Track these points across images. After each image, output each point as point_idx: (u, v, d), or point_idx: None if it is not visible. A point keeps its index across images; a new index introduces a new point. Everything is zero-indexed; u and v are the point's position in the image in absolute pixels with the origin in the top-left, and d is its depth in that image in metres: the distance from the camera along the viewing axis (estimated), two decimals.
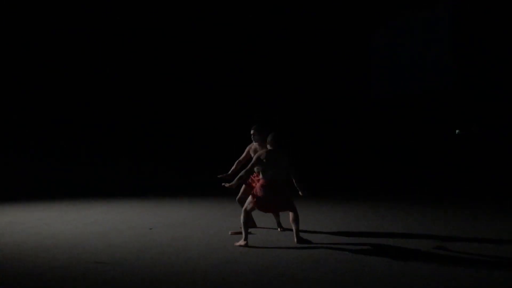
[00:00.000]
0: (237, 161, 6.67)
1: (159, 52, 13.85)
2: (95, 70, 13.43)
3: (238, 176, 5.91)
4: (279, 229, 6.69)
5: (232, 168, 6.62)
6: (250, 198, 6.05)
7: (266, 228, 6.86)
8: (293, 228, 5.88)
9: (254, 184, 6.29)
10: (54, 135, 13.00)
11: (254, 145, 6.55)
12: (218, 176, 6.45)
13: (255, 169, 6.21)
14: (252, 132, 6.51)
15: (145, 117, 13.86)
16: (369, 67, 14.29)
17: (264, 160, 5.83)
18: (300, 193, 5.91)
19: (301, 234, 5.97)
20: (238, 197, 6.67)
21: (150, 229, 6.89)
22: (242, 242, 5.75)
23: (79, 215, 8.26)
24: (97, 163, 12.92)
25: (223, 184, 6.03)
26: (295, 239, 5.85)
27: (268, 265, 4.89)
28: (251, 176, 6.42)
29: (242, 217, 5.95)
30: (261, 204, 5.88)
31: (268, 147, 6.04)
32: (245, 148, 6.72)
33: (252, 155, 6.40)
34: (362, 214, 8.12)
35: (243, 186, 6.59)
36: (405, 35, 13.60)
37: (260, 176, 6.03)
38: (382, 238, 6.17)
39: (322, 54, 13.99)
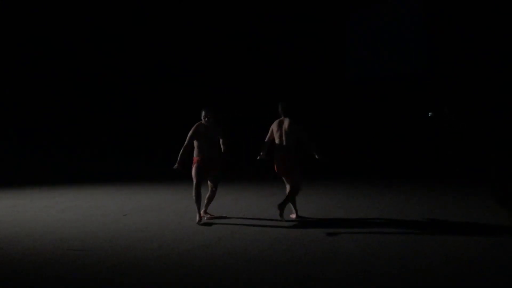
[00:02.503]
0: (184, 149, 6.34)
1: (128, 42, 13.70)
2: (64, 56, 13.21)
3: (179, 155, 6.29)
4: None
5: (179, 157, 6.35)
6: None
7: (239, 211, 6.89)
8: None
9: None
10: (25, 120, 12.72)
11: (202, 127, 6.31)
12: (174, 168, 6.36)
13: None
14: (206, 113, 6.29)
15: (119, 102, 13.67)
16: (344, 50, 14.36)
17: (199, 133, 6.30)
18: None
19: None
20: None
21: (125, 215, 6.83)
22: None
23: (51, 201, 8.13)
24: (68, 149, 12.71)
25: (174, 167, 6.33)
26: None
27: (243, 248, 4.92)
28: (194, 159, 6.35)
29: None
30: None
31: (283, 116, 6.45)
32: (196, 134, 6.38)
33: (197, 137, 6.31)
34: (338, 196, 8.21)
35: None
36: (379, 18, 13.68)
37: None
38: (357, 220, 6.27)
39: (298, 37, 13.97)
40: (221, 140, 6.46)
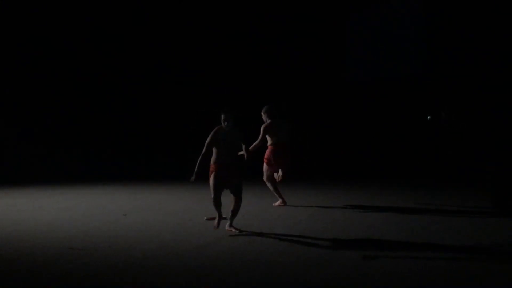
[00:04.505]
0: (202, 157, 5.70)
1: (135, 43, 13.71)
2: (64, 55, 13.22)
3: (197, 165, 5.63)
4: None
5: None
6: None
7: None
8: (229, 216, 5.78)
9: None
10: (25, 119, 12.72)
11: (221, 133, 5.69)
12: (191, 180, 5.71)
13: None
14: (226, 117, 5.66)
15: (119, 102, 13.67)
16: (343, 50, 14.36)
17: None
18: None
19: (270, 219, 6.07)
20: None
21: (124, 215, 6.85)
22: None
23: (51, 200, 8.15)
24: (69, 148, 12.71)
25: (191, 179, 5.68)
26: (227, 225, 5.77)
27: (242, 249, 4.93)
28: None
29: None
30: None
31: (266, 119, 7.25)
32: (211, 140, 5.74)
33: (217, 143, 5.67)
34: (336, 197, 8.22)
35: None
36: (379, 19, 13.69)
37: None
38: (354, 221, 6.27)
39: (297, 37, 13.97)
40: (243, 146, 5.85)
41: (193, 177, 5.65)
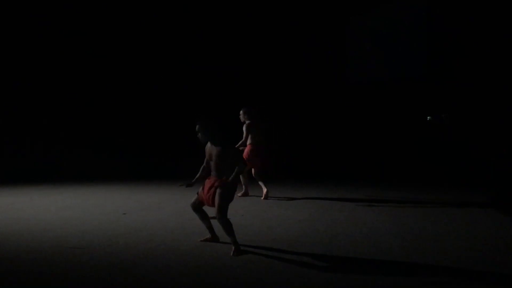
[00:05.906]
0: (202, 167, 5.18)
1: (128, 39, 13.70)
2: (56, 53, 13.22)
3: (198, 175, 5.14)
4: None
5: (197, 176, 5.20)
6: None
7: (239, 215, 6.90)
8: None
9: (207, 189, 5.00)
10: (24, 118, 12.70)
11: (208, 145, 5.02)
12: (180, 185, 5.34)
13: None
14: (197, 127, 4.98)
15: (120, 99, 13.66)
16: (344, 53, 14.36)
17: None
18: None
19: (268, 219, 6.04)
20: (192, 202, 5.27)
21: (124, 214, 6.84)
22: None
23: (50, 200, 8.13)
24: (68, 147, 12.69)
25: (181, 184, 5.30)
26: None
27: (243, 249, 4.90)
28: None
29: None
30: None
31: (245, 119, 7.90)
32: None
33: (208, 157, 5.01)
34: (336, 198, 8.20)
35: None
36: (381, 22, 13.70)
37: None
38: (355, 222, 6.26)
39: (298, 39, 13.97)
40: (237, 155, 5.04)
41: (184, 183, 5.20)
